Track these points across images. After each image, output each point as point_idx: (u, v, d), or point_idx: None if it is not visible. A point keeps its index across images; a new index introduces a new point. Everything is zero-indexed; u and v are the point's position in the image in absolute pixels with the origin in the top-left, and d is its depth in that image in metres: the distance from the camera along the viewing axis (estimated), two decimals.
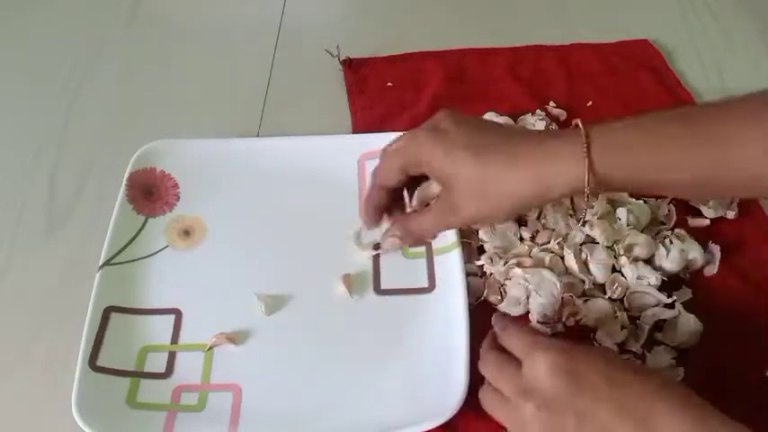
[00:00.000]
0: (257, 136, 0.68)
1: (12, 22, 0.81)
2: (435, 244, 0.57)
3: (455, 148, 0.45)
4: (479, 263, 0.55)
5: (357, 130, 0.67)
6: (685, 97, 0.70)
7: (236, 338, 0.52)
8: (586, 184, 0.43)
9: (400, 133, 0.62)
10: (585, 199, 0.44)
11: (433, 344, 0.51)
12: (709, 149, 0.42)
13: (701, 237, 0.57)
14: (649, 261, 0.55)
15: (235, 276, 0.56)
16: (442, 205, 0.48)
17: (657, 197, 0.59)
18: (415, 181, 0.51)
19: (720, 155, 0.42)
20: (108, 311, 0.53)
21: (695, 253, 0.55)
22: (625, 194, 0.59)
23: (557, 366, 0.40)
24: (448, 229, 0.50)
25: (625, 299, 0.54)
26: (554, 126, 0.65)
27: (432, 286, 0.55)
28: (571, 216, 0.56)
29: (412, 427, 0.46)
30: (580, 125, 0.44)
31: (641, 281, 0.53)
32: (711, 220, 0.59)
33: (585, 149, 0.42)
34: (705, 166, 0.42)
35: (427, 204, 0.52)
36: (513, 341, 0.44)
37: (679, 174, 0.43)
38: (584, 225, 0.55)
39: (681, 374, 0.49)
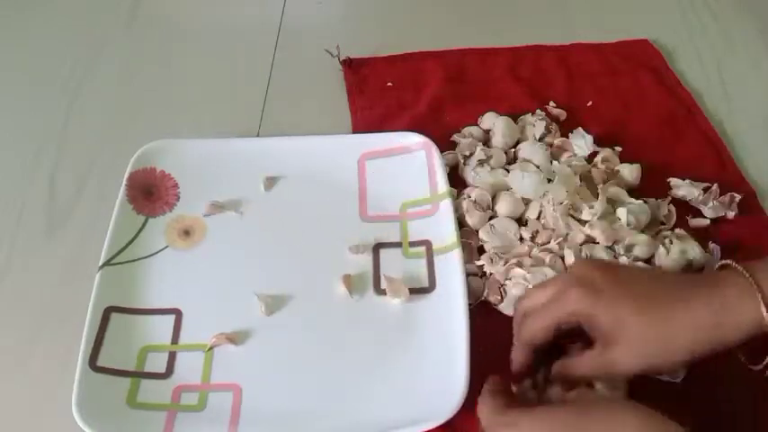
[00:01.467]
0: (257, 136, 0.68)
1: (12, 22, 0.81)
2: (435, 244, 0.57)
3: (618, 304, 0.42)
4: (479, 263, 0.55)
5: (357, 130, 0.67)
6: (685, 97, 0.70)
7: (236, 338, 0.52)
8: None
9: (399, 133, 0.64)
10: None
11: (433, 344, 0.51)
12: None
13: (701, 237, 0.57)
14: (649, 261, 0.55)
15: (235, 276, 0.56)
16: (600, 357, 0.43)
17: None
18: None
19: None
20: (108, 311, 0.53)
21: (695, 253, 0.55)
22: (625, 194, 0.59)
23: None
24: (612, 374, 0.44)
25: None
26: (554, 126, 0.65)
27: (432, 286, 0.55)
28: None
29: (412, 427, 0.46)
30: (734, 264, 0.43)
31: None
32: (711, 220, 0.59)
33: (754, 285, 0.41)
34: None
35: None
36: (481, 415, 0.43)
37: None
38: None
39: (682, 375, 0.49)
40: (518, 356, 0.47)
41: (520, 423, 0.40)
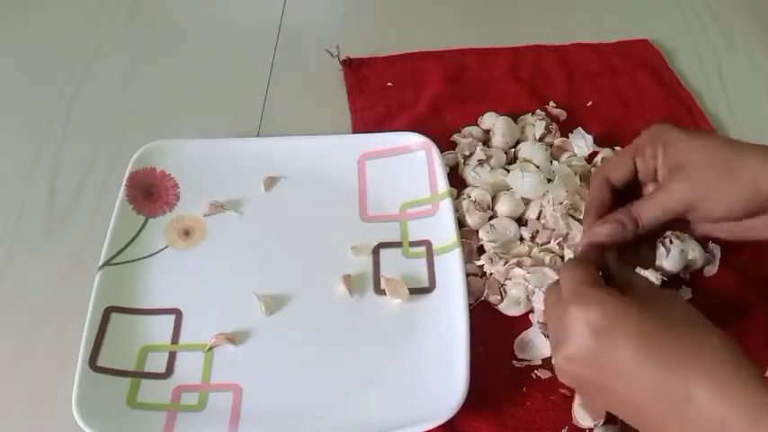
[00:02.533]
0: (257, 136, 0.68)
1: (12, 22, 0.81)
2: (435, 244, 0.57)
3: (694, 134, 0.43)
4: (479, 263, 0.55)
5: (357, 130, 0.67)
6: (685, 97, 0.70)
7: (235, 339, 0.52)
8: None
9: (399, 133, 0.64)
10: None
11: (433, 344, 0.51)
12: None
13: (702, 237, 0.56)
14: None
15: (235, 276, 0.56)
16: (666, 184, 0.44)
17: None
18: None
19: None
20: (108, 311, 0.53)
21: (695, 253, 0.55)
22: None
23: (589, 325, 0.37)
24: (671, 209, 0.43)
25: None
26: (554, 126, 0.65)
27: (432, 286, 0.55)
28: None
29: (412, 427, 0.46)
30: None
31: None
32: None
33: None
34: None
35: None
36: (560, 285, 0.41)
37: None
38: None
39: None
40: (595, 193, 0.47)
41: (611, 309, 0.37)
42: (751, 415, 0.32)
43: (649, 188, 0.47)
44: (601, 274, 0.43)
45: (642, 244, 0.48)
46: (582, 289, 0.39)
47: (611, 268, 0.45)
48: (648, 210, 0.44)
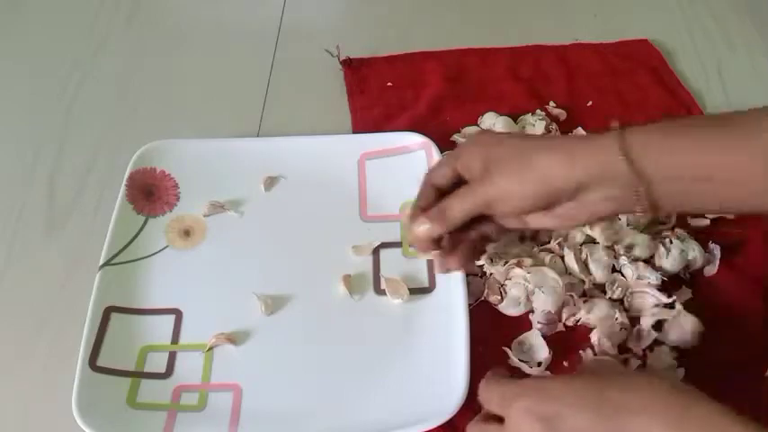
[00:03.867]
0: (257, 136, 0.68)
1: (12, 22, 0.81)
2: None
3: (505, 138, 0.47)
4: (479, 263, 0.55)
5: (357, 130, 0.67)
6: (685, 97, 0.70)
7: (235, 339, 0.52)
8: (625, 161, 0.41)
9: (399, 133, 0.64)
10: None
11: (433, 344, 0.51)
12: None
13: (701, 237, 0.57)
14: (649, 261, 0.55)
15: (235, 276, 0.56)
16: (472, 184, 0.47)
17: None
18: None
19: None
20: (108, 311, 0.53)
21: (695, 253, 0.55)
22: None
23: (531, 412, 0.38)
24: (473, 205, 0.46)
25: (625, 299, 0.54)
26: (554, 126, 0.65)
27: (432, 286, 0.55)
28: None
29: (412, 427, 0.46)
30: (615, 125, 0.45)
31: (641, 281, 0.53)
32: (711, 220, 0.59)
33: (618, 132, 0.42)
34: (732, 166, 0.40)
35: None
36: (491, 397, 0.42)
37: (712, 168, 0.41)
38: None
39: (681, 374, 0.49)
40: (420, 192, 0.50)
41: (542, 387, 0.39)
42: None
43: None
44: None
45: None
46: (504, 386, 0.41)
47: None
48: (452, 207, 0.47)
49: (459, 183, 0.48)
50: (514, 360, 0.51)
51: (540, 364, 0.51)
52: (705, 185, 0.41)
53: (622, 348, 0.51)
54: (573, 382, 0.39)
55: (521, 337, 0.53)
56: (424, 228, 0.48)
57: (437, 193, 0.49)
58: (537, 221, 0.47)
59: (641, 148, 0.41)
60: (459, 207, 0.47)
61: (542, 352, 0.51)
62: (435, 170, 0.50)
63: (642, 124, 0.43)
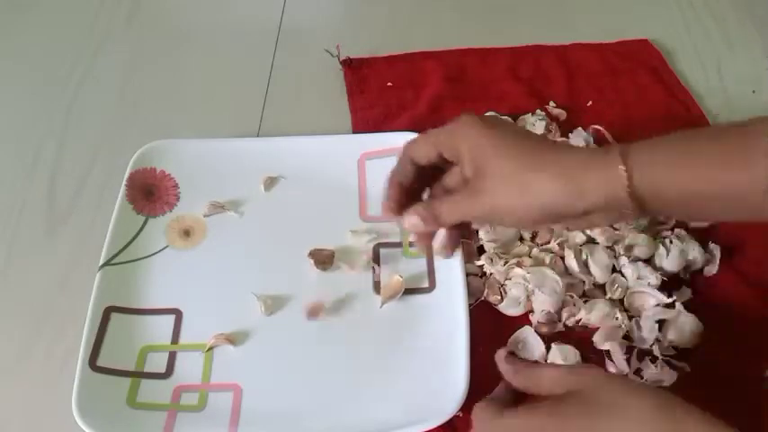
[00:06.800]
0: (257, 136, 0.68)
1: (12, 22, 0.81)
2: (436, 244, 0.57)
3: (500, 137, 0.44)
4: (479, 263, 0.55)
5: (357, 130, 0.67)
6: (685, 97, 0.70)
7: (235, 339, 0.52)
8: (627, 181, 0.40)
9: (399, 133, 0.63)
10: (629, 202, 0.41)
11: (433, 344, 0.51)
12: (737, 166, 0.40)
13: (701, 237, 0.57)
14: (649, 261, 0.55)
15: (235, 276, 0.56)
16: (469, 191, 0.45)
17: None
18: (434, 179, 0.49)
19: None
20: (108, 311, 0.53)
21: (695, 253, 0.55)
22: None
23: None
24: (469, 216, 0.45)
25: (625, 299, 0.54)
26: (554, 126, 0.65)
27: (432, 286, 0.55)
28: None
29: (412, 427, 0.46)
30: (611, 141, 0.44)
31: (641, 281, 0.53)
32: None
33: (620, 155, 0.41)
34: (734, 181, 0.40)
35: None
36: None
37: (710, 185, 0.40)
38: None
39: (674, 378, 0.49)
40: (395, 172, 0.48)
41: (525, 425, 0.39)
42: None
43: (453, 174, 0.48)
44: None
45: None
46: (489, 424, 0.41)
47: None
48: (449, 212, 0.45)
49: (436, 166, 0.47)
50: None
51: (536, 361, 0.51)
52: (707, 203, 0.41)
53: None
54: (555, 415, 0.39)
55: (515, 335, 0.53)
56: (412, 222, 0.46)
57: (416, 167, 0.48)
58: (533, 227, 0.46)
59: (647, 178, 0.40)
60: (453, 215, 0.45)
61: (538, 349, 0.51)
62: (415, 147, 0.47)
63: (646, 139, 0.42)
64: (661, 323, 0.52)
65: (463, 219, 0.45)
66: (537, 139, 0.45)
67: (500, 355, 0.44)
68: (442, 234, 0.47)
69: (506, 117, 0.65)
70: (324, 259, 0.56)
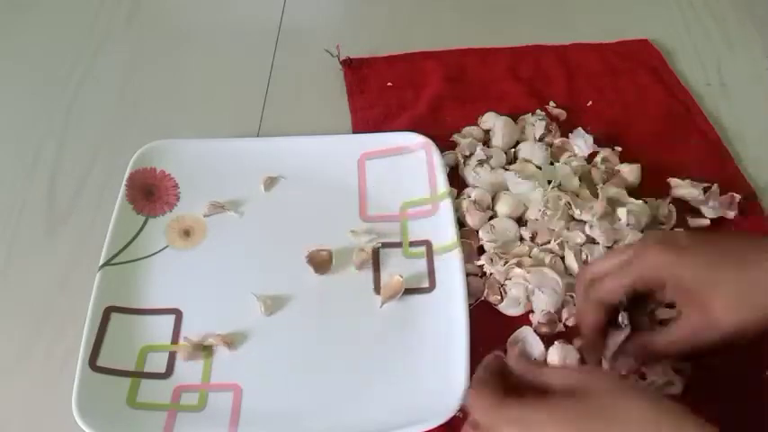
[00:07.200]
0: (257, 136, 0.68)
1: (12, 22, 0.81)
2: (435, 244, 0.57)
3: (708, 259, 0.41)
4: (479, 263, 0.55)
5: (357, 130, 0.67)
6: (685, 97, 0.70)
7: (233, 340, 0.52)
8: None
9: (399, 133, 0.64)
10: None
11: (433, 344, 0.51)
12: None
13: None
14: None
15: (235, 276, 0.56)
16: (695, 320, 0.42)
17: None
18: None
19: None
20: (108, 311, 0.53)
21: None
22: (625, 194, 0.59)
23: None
24: (701, 344, 0.43)
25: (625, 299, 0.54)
26: (554, 126, 0.65)
27: (432, 286, 0.55)
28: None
29: (412, 427, 0.46)
30: None
31: None
32: (711, 220, 0.59)
33: None
34: None
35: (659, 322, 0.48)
36: (477, 412, 0.41)
37: None
38: None
39: (680, 388, 0.49)
40: (587, 316, 0.45)
41: (526, 418, 0.38)
42: None
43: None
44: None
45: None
46: (490, 411, 0.39)
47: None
48: (667, 346, 0.43)
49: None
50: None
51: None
52: None
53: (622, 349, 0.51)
54: (556, 412, 0.38)
55: (515, 335, 0.53)
56: (629, 365, 0.44)
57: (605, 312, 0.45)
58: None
59: None
60: (674, 348, 0.42)
61: (538, 349, 0.51)
62: (603, 289, 0.44)
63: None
64: (661, 323, 0.52)
65: (682, 350, 0.43)
66: (734, 241, 0.43)
67: (512, 354, 0.43)
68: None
69: (506, 117, 0.65)
70: (322, 263, 0.55)
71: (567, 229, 0.57)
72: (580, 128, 0.64)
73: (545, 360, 0.51)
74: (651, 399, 0.37)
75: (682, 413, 0.36)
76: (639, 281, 0.43)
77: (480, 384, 0.40)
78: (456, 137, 0.65)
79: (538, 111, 0.67)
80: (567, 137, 0.64)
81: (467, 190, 0.60)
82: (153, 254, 0.57)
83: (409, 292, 0.54)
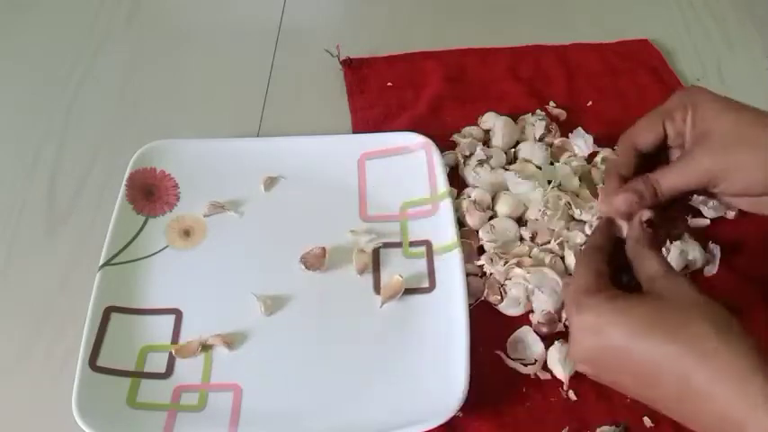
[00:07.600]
0: (257, 136, 0.68)
1: (12, 22, 0.81)
2: (435, 244, 0.57)
3: (727, 100, 0.43)
4: (479, 263, 0.55)
5: (357, 130, 0.67)
6: None
7: (232, 341, 0.52)
8: None
9: (399, 133, 0.64)
10: None
11: (433, 344, 0.51)
12: None
13: (701, 237, 0.57)
14: None
15: (235, 276, 0.56)
16: (689, 156, 0.43)
17: None
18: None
19: None
20: (108, 311, 0.53)
21: (695, 253, 0.55)
22: None
23: (583, 329, 0.39)
24: (692, 182, 0.42)
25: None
26: (554, 126, 0.65)
27: (432, 286, 0.55)
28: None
29: (412, 427, 0.46)
30: None
31: None
32: (711, 220, 0.59)
33: None
34: None
35: None
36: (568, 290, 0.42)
37: None
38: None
39: None
40: (620, 158, 0.45)
41: (602, 312, 0.38)
42: (749, 402, 0.33)
43: (676, 154, 0.46)
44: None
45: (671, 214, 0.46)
46: (580, 298, 0.40)
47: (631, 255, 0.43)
48: (669, 179, 0.42)
49: (663, 145, 0.44)
50: (509, 362, 0.51)
51: (535, 361, 0.51)
52: None
53: None
54: (637, 310, 0.38)
55: (515, 335, 0.53)
56: (628, 200, 0.43)
57: (638, 158, 0.44)
58: (757, 206, 0.43)
59: None
60: (677, 181, 0.42)
61: (536, 348, 0.51)
62: (642, 129, 0.45)
63: None
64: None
65: (687, 186, 0.42)
66: (763, 113, 0.43)
67: (640, 217, 0.42)
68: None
69: (506, 117, 0.65)
70: (314, 261, 0.55)
71: (567, 229, 0.57)
72: (580, 128, 0.64)
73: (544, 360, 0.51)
74: (719, 326, 0.36)
75: (745, 343, 0.35)
76: (668, 114, 0.44)
77: (588, 254, 0.42)
78: (456, 137, 0.65)
79: (538, 111, 0.67)
80: (567, 137, 0.64)
81: (467, 190, 0.60)
82: (153, 254, 0.57)
83: (409, 292, 0.54)
